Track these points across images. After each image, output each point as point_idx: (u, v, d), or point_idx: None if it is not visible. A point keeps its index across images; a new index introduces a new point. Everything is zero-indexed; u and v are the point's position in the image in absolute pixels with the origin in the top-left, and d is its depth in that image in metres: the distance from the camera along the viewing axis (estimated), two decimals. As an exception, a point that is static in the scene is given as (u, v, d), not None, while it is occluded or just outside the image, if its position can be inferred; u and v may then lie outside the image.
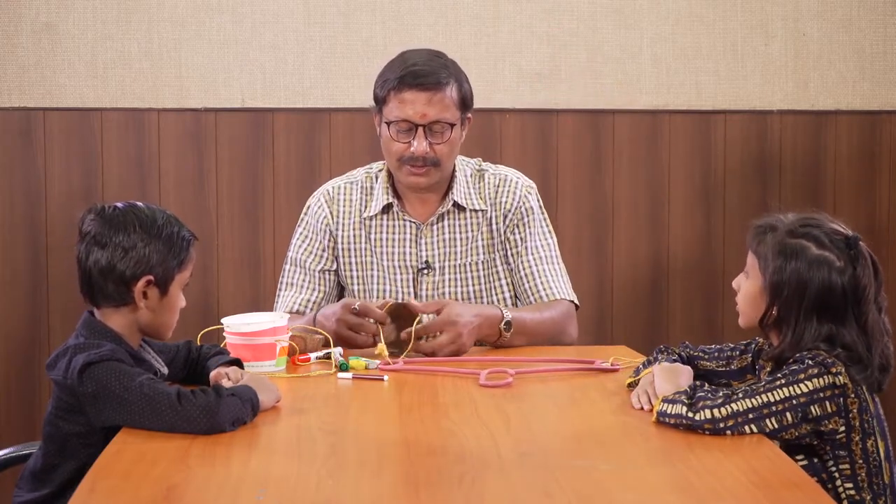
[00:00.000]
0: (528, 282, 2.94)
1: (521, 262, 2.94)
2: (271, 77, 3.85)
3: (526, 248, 2.95)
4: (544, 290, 2.92)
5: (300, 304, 2.94)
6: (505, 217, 2.95)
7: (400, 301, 2.75)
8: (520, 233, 2.95)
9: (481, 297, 2.94)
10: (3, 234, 3.83)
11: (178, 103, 3.84)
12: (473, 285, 2.94)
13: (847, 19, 3.93)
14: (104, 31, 3.81)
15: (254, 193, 3.87)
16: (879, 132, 3.97)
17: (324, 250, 2.96)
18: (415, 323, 2.65)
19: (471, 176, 2.98)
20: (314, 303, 2.94)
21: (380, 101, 2.85)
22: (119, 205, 2.23)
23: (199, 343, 2.47)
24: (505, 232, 2.95)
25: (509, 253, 2.96)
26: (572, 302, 2.95)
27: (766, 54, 3.93)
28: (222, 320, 2.56)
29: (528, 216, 2.95)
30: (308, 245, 2.97)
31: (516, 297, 2.98)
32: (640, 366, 2.35)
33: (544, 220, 3.00)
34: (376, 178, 2.97)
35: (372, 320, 2.67)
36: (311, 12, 3.84)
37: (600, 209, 3.93)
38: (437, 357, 2.64)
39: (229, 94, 3.85)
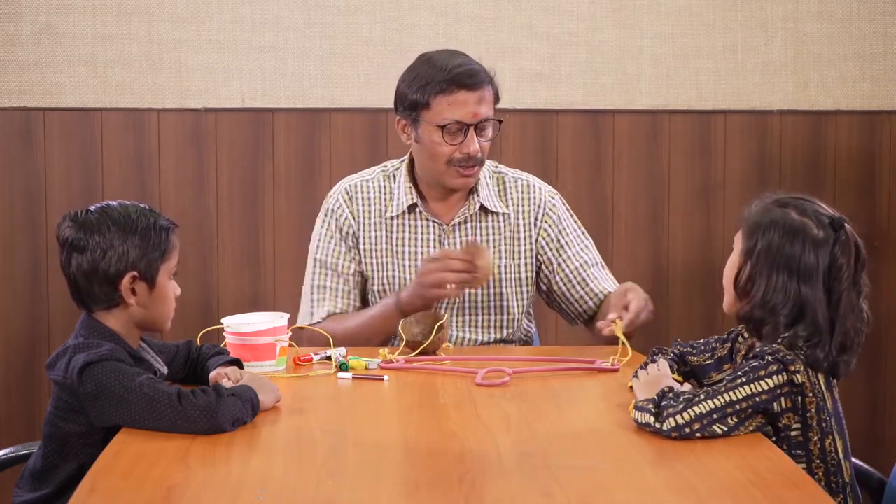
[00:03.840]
0: (582, 287, 2.94)
1: (567, 267, 2.94)
2: (271, 77, 3.85)
3: (568, 255, 2.94)
4: (602, 293, 2.92)
5: (347, 309, 2.90)
6: (534, 224, 2.93)
7: (471, 243, 2.77)
8: (558, 240, 2.94)
9: (501, 301, 2.91)
10: (3, 234, 3.83)
11: (178, 103, 3.84)
12: (494, 288, 2.91)
13: (847, 19, 3.93)
14: (104, 31, 3.81)
15: (254, 193, 3.87)
16: (879, 132, 3.97)
17: (350, 251, 2.92)
18: (438, 324, 2.65)
19: (490, 178, 2.95)
20: (357, 308, 2.91)
21: (420, 105, 2.78)
22: (91, 208, 2.23)
23: (199, 343, 2.47)
24: (537, 240, 2.94)
25: (545, 260, 2.95)
26: None
27: (766, 54, 3.93)
28: (222, 320, 2.56)
29: (562, 223, 2.95)
30: (336, 246, 2.91)
31: (558, 302, 2.97)
32: (639, 367, 2.35)
33: (577, 224, 2.99)
34: (393, 177, 2.93)
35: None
36: (311, 12, 3.84)
37: (600, 209, 3.93)
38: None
39: (229, 94, 3.84)
